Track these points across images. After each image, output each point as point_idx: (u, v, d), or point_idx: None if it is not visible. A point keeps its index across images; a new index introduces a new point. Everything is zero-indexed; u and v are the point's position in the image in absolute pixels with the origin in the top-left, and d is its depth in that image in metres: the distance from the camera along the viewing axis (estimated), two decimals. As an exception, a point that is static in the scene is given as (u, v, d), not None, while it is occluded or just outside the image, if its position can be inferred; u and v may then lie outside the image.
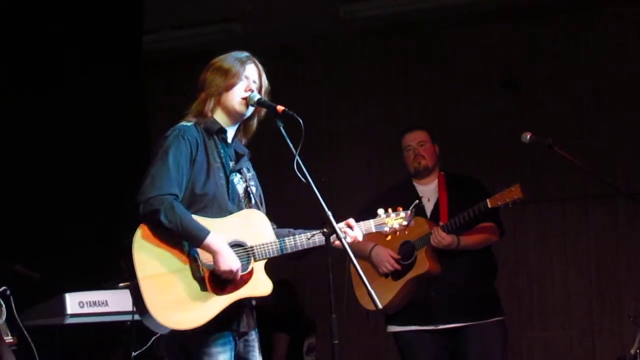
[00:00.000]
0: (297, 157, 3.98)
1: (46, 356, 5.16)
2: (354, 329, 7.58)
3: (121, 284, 4.06)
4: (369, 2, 8.27)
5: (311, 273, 5.51)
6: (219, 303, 3.96)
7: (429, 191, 5.83)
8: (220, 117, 4.18)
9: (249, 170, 4.27)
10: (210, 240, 3.91)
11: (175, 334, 3.96)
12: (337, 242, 3.99)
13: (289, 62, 8.82)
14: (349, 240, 4.12)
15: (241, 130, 4.28)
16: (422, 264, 5.58)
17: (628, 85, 7.77)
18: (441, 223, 5.58)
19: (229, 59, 4.30)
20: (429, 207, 5.79)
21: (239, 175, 4.19)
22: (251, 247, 4.07)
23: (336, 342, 3.88)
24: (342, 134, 8.77)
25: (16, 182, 6.35)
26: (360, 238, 4.22)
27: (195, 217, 3.96)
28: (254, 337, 4.23)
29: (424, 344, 5.65)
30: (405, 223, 4.35)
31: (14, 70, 6.44)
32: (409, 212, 4.39)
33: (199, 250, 3.95)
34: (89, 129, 6.76)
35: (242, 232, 4.08)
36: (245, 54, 4.38)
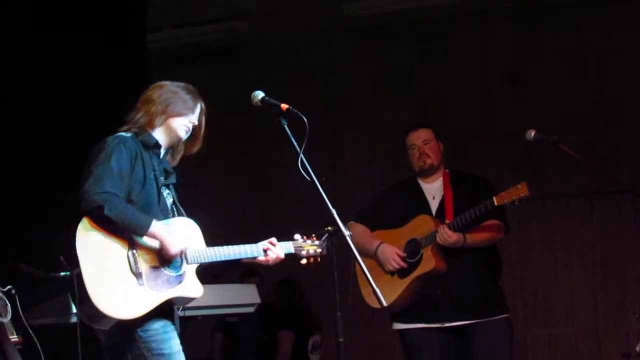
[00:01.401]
0: (301, 155, 3.99)
1: (52, 355, 5.15)
2: (360, 327, 7.59)
3: (61, 273, 4.14)
4: (372, 1, 8.28)
5: (316, 271, 5.49)
6: (154, 298, 4.08)
7: (434, 189, 5.82)
8: (159, 134, 4.32)
9: (171, 183, 4.40)
10: (154, 228, 4.07)
11: (116, 330, 4.04)
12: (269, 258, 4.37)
13: (292, 61, 8.82)
14: (272, 257, 4.37)
15: (169, 153, 4.42)
16: (428, 262, 5.58)
17: (633, 82, 7.76)
18: (447, 221, 5.57)
19: (185, 89, 4.40)
20: (434, 205, 5.78)
21: (167, 190, 4.34)
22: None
23: (341, 340, 3.89)
24: (346, 132, 8.77)
25: (17, 182, 6.36)
26: (282, 255, 4.42)
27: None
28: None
29: (430, 342, 5.64)
30: (319, 250, 4.52)
31: (14, 73, 6.43)
32: (322, 241, 4.48)
33: (142, 242, 4.09)
34: (90, 128, 6.75)
35: (176, 236, 4.20)
36: (190, 86, 4.45)
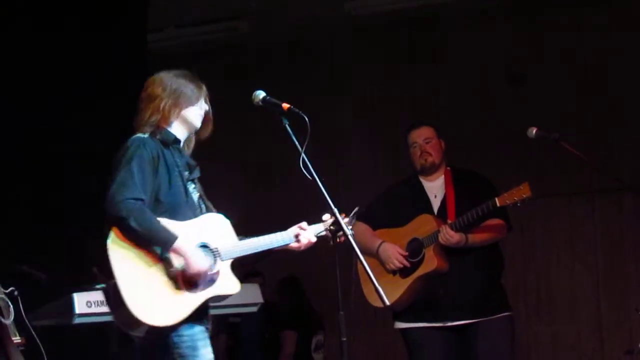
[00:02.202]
0: (302, 155, 4.00)
1: (54, 356, 5.16)
2: (362, 326, 7.59)
3: (98, 286, 4.11)
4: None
5: (319, 270, 5.50)
6: (193, 301, 4.05)
7: (435, 187, 5.82)
8: (176, 128, 4.27)
9: (196, 177, 4.35)
10: (178, 244, 4.01)
11: (151, 335, 4.00)
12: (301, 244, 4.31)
13: (294, 59, 8.83)
14: (304, 242, 4.34)
15: (186, 143, 4.37)
16: (430, 262, 5.58)
17: (633, 80, 7.76)
18: (449, 221, 5.57)
19: (183, 76, 4.34)
20: (436, 204, 5.78)
21: (192, 185, 4.30)
22: (216, 247, 4.17)
23: (344, 339, 3.89)
24: (347, 130, 8.76)
25: (20, 182, 6.36)
26: (313, 239, 4.38)
27: (161, 219, 4.04)
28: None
29: (432, 341, 5.64)
30: (349, 227, 4.44)
31: (14, 72, 6.44)
32: (352, 218, 4.45)
33: (170, 254, 4.03)
34: (91, 128, 6.76)
35: (207, 234, 4.18)
36: (189, 72, 4.41)
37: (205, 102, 4.34)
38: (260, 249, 4.27)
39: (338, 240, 4.17)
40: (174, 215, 4.10)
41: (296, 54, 8.86)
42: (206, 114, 4.34)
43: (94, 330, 5.65)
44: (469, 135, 8.01)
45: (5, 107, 6.35)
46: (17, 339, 4.93)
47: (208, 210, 4.31)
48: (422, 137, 5.82)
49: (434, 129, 5.86)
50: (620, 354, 6.79)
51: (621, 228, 7.88)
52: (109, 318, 5.59)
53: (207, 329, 4.19)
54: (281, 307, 8.10)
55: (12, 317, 4.90)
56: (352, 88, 8.77)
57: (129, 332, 4.07)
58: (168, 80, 4.29)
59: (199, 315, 4.09)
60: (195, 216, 4.20)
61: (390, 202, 5.88)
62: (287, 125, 4.09)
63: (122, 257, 3.96)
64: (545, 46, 8.18)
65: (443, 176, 5.83)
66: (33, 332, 5.02)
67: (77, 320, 5.51)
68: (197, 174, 4.32)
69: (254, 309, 6.41)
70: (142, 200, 3.99)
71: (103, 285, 4.05)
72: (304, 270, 7.75)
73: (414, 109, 8.31)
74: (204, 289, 4.08)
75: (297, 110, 4.08)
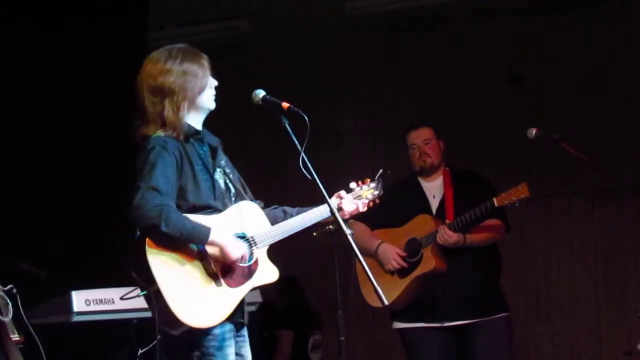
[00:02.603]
0: (302, 154, 3.99)
1: (53, 354, 5.15)
2: (361, 325, 7.59)
3: (141, 293, 4.04)
4: (373, -1, 8.29)
5: (318, 270, 5.50)
6: (236, 295, 4.00)
7: (434, 188, 5.83)
8: (193, 118, 4.15)
9: (221, 160, 4.25)
10: (213, 236, 3.94)
11: (184, 333, 3.95)
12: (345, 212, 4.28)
13: (294, 59, 8.82)
14: (351, 208, 4.32)
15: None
16: (429, 262, 5.58)
17: (633, 80, 7.76)
18: (447, 221, 5.57)
19: (187, 59, 4.20)
20: (434, 204, 5.78)
21: (219, 170, 4.20)
22: (252, 236, 4.11)
23: (343, 338, 3.89)
24: (348, 130, 8.76)
25: (20, 182, 6.37)
26: (360, 207, 4.39)
27: (192, 216, 3.97)
28: (245, 332, 4.25)
29: (430, 341, 5.65)
30: (376, 192, 4.49)
31: (14, 72, 6.44)
32: (376, 181, 4.50)
33: (206, 247, 3.97)
34: (92, 128, 6.76)
35: (239, 224, 4.11)
36: (191, 48, 4.29)
37: (212, 75, 4.23)
38: (294, 231, 4.21)
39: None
40: (205, 213, 4.03)
41: (296, 54, 8.85)
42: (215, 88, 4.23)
43: (92, 328, 5.65)
44: (469, 135, 8.01)
45: (6, 107, 6.35)
46: (15, 337, 4.92)
47: (239, 197, 4.21)
48: (421, 138, 5.83)
49: (432, 130, 5.87)
50: (619, 355, 6.78)
51: (621, 228, 7.88)
52: (107, 316, 5.64)
53: (240, 323, 4.13)
54: (279, 306, 8.10)
55: (10, 314, 4.89)
56: (352, 88, 8.77)
57: (168, 330, 4.00)
58: (173, 68, 4.12)
59: (233, 312, 4.03)
60: (225, 207, 4.12)
61: (388, 202, 5.87)
62: (286, 125, 4.08)
63: (161, 262, 3.89)
64: (546, 46, 8.17)
65: (442, 176, 5.84)
66: (32, 330, 5.01)
67: (75, 319, 5.51)
68: (221, 157, 4.22)
69: (253, 308, 6.40)
70: (170, 206, 3.90)
71: (145, 293, 3.97)
72: (303, 270, 7.75)
73: (414, 109, 8.30)
74: (244, 282, 4.03)
75: (296, 109, 4.06)
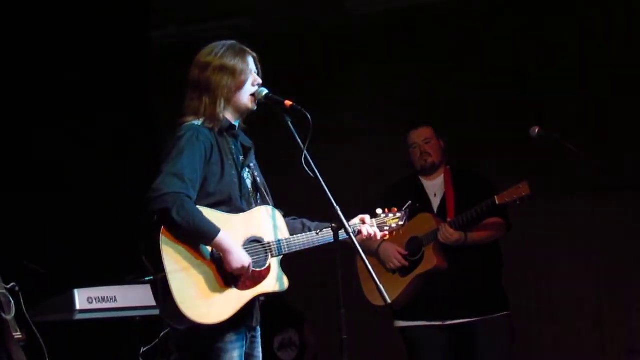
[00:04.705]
0: (305, 153, 3.99)
1: (55, 352, 5.16)
2: (361, 324, 7.59)
3: (146, 278, 4.04)
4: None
5: (319, 268, 5.51)
6: (241, 298, 3.99)
7: (435, 187, 5.84)
8: (230, 114, 4.15)
9: (251, 161, 4.26)
10: (219, 239, 3.91)
11: (191, 330, 3.95)
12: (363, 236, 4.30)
13: (295, 57, 8.82)
14: (371, 232, 4.32)
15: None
16: (430, 260, 5.59)
17: (633, 80, 7.76)
18: (448, 219, 5.59)
19: (227, 55, 4.21)
20: (435, 203, 5.80)
21: (247, 170, 4.19)
22: (268, 243, 4.10)
23: (345, 337, 3.89)
24: (348, 128, 8.76)
25: (20, 181, 6.38)
26: (378, 235, 4.40)
27: (210, 211, 3.96)
28: (259, 333, 4.25)
29: (431, 340, 5.66)
30: (401, 223, 4.51)
31: (14, 71, 6.45)
32: (403, 212, 4.51)
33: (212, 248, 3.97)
34: (92, 128, 6.77)
35: (259, 228, 4.10)
36: (237, 45, 4.30)
37: (257, 72, 4.24)
38: (311, 246, 4.20)
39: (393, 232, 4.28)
40: (223, 206, 4.01)
41: (296, 53, 8.85)
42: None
43: (94, 326, 5.66)
44: (469, 134, 8.01)
45: (6, 107, 6.36)
46: (18, 335, 4.93)
47: (263, 201, 4.21)
48: (422, 138, 5.84)
49: (433, 129, 5.88)
50: (621, 354, 6.79)
51: (623, 226, 7.87)
52: (109, 314, 5.65)
53: (253, 328, 4.12)
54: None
55: (13, 312, 4.90)
56: (352, 88, 8.77)
57: (171, 324, 4.01)
58: (212, 64, 4.13)
59: (244, 315, 4.02)
60: (250, 207, 4.11)
61: (390, 201, 5.88)
62: (289, 123, 4.08)
63: (173, 252, 3.88)
64: (546, 46, 8.17)
65: (443, 175, 5.86)
66: (34, 328, 5.02)
67: (78, 316, 5.53)
68: (252, 158, 4.22)
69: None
70: (187, 196, 3.88)
71: (151, 278, 3.96)
72: (304, 269, 7.74)
73: (414, 109, 8.30)
74: (252, 286, 4.01)
75: (299, 107, 4.06)
